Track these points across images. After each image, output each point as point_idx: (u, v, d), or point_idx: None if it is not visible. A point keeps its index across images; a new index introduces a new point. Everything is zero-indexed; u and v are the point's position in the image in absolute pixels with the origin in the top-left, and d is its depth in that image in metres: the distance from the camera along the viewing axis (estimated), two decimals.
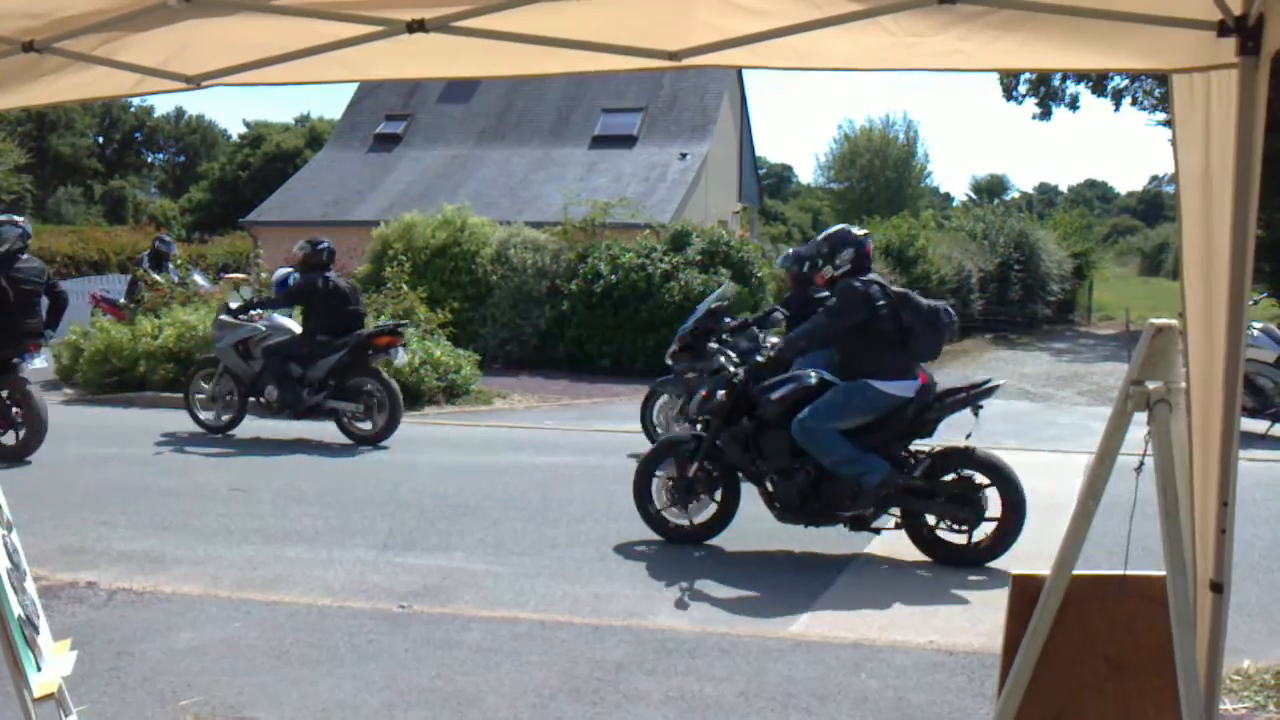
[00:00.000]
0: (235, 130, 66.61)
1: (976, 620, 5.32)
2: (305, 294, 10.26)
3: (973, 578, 6.05)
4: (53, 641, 3.47)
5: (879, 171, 45.89)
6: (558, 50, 2.63)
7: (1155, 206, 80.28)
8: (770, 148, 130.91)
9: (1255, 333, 10.84)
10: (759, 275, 16.81)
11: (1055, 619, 2.68)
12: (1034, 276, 27.61)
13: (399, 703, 4.16)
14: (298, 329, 10.49)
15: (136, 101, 58.92)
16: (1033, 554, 5.99)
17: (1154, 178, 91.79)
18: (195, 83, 2.95)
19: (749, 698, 4.25)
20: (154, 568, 6.10)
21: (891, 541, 6.59)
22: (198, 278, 16.16)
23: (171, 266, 16.69)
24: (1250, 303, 2.33)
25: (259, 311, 10.51)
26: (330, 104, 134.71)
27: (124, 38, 2.76)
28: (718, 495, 6.72)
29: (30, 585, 3.41)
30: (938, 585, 5.93)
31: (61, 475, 8.54)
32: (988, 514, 6.25)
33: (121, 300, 16.04)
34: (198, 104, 77.66)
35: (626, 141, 26.83)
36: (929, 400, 6.27)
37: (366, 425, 10.17)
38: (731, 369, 6.64)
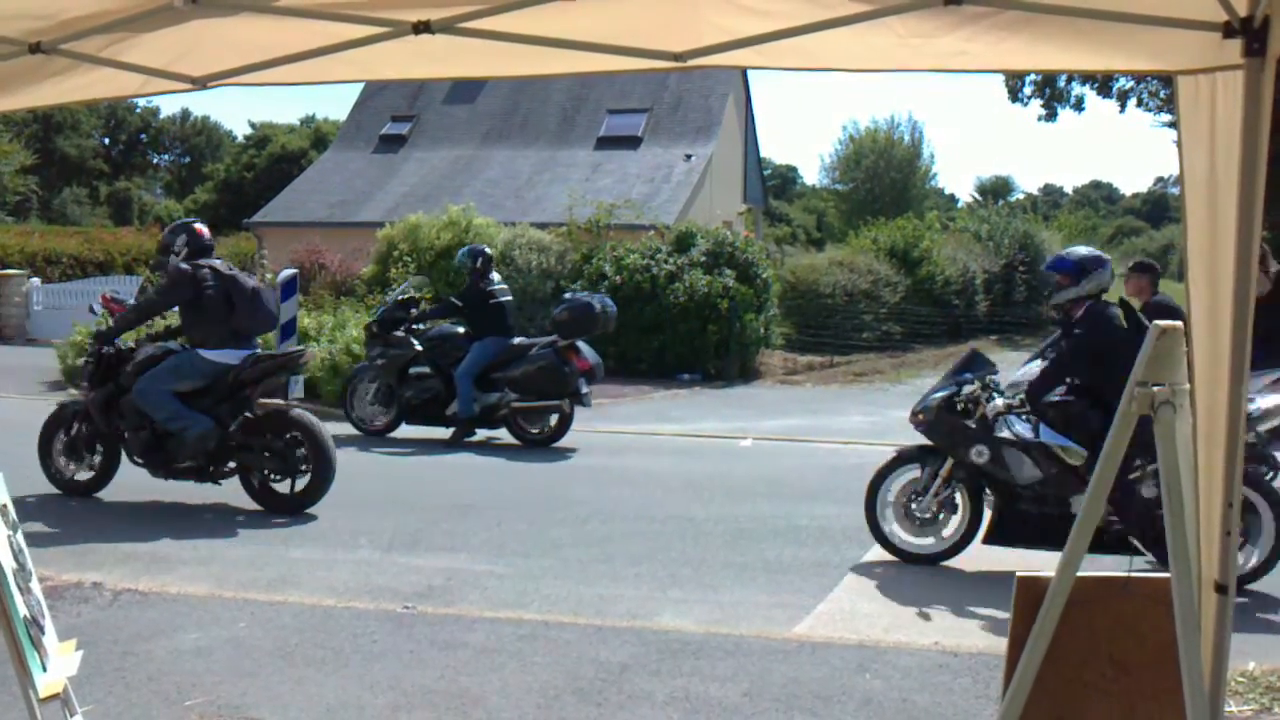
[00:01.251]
0: (240, 131, 66.61)
1: (981, 622, 5.32)
2: None
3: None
4: (58, 641, 3.48)
5: (884, 172, 45.79)
6: (563, 51, 2.64)
7: (1160, 208, 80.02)
8: (775, 149, 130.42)
9: None
10: (764, 276, 16.79)
11: (1060, 620, 2.68)
12: (1038, 278, 27.54)
13: (403, 703, 4.16)
14: None
15: (142, 103, 59.12)
16: (1037, 554, 5.98)
17: (1159, 179, 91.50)
18: (201, 84, 2.96)
19: (753, 699, 4.25)
20: (159, 568, 6.11)
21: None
22: None
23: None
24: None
25: None
26: (335, 105, 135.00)
27: (130, 39, 2.77)
28: (98, 454, 7.63)
29: (36, 585, 3.41)
30: (942, 586, 5.93)
31: None
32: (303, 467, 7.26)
33: (131, 301, 16.11)
34: (203, 105, 77.61)
35: (631, 142, 26.82)
36: (247, 366, 7.25)
37: None
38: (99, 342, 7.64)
